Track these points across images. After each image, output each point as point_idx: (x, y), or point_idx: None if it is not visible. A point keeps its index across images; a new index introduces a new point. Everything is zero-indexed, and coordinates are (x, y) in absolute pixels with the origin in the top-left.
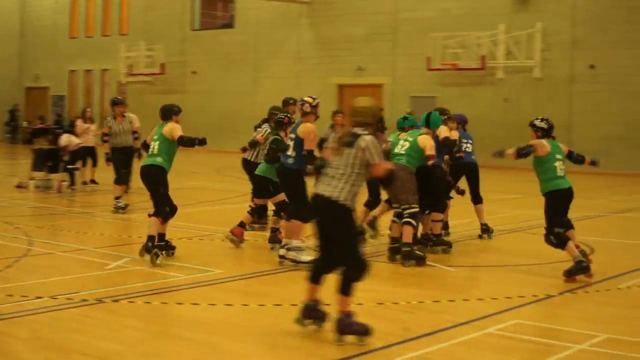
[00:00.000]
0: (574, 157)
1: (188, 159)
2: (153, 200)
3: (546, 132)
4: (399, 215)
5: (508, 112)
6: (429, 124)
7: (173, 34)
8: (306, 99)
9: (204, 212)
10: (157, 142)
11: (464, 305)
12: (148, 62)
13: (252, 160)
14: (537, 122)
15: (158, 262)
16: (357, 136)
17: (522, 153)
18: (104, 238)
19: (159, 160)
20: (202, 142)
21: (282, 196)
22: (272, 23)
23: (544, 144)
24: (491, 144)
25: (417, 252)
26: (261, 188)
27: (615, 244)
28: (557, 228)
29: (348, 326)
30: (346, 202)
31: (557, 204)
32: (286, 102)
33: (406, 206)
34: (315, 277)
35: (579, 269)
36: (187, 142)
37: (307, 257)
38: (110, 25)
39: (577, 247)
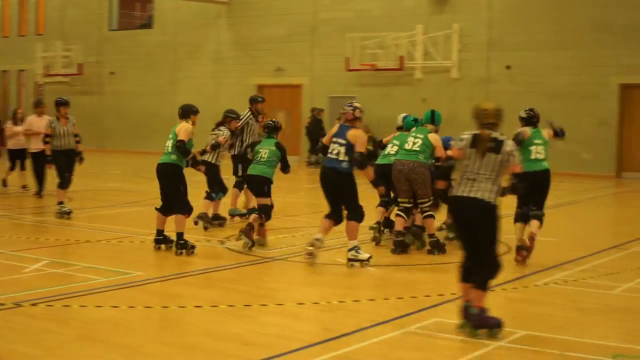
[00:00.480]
0: (559, 134)
1: (103, 161)
2: (172, 198)
3: (526, 121)
4: (405, 210)
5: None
6: (434, 120)
7: (91, 34)
8: (356, 104)
9: (122, 214)
10: (171, 141)
11: (384, 304)
12: (65, 63)
13: (213, 162)
14: (521, 113)
15: (195, 252)
16: (500, 141)
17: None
18: (20, 241)
19: (173, 157)
20: (194, 162)
21: (269, 200)
22: (191, 23)
23: (527, 131)
24: None
25: (441, 241)
26: (258, 187)
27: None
28: (517, 207)
29: (484, 320)
30: (495, 203)
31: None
32: (255, 100)
33: (425, 200)
34: (466, 277)
35: (517, 248)
36: (180, 149)
37: (365, 254)
38: (26, 25)
39: (529, 239)
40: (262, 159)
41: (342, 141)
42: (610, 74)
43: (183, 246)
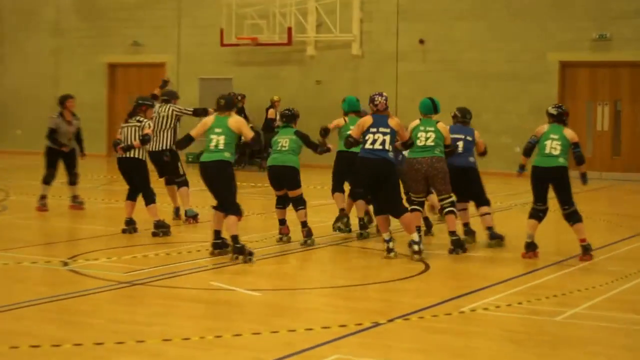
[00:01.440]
0: (575, 155)
1: None
2: (224, 199)
3: (555, 118)
4: (420, 204)
5: (321, 97)
6: (437, 109)
7: None
8: (385, 94)
9: None
10: (223, 136)
11: (271, 338)
12: None
13: (142, 159)
14: (550, 109)
15: (254, 260)
16: None
17: (524, 151)
18: None
19: (227, 155)
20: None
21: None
22: None
23: (543, 127)
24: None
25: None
26: (291, 179)
27: (455, 259)
28: (533, 203)
29: None
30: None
31: (531, 177)
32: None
33: (446, 196)
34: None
35: (526, 245)
36: (257, 141)
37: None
38: None
39: (584, 240)
40: (283, 148)
41: (387, 130)
42: (548, 49)
43: (240, 251)
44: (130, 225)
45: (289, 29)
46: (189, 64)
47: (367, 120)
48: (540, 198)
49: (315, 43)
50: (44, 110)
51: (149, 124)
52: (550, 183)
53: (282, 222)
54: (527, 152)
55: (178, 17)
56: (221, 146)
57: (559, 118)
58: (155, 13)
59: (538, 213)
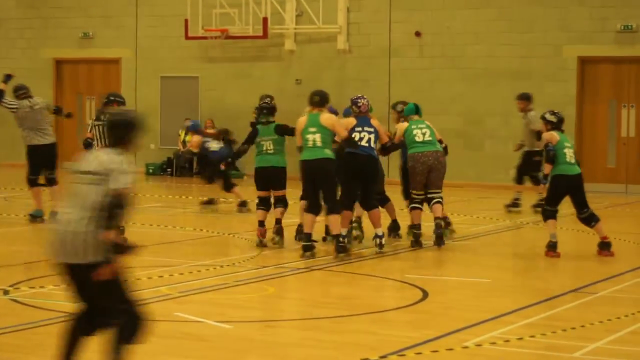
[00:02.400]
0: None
1: None
2: (329, 196)
3: (555, 125)
4: (421, 202)
5: (302, 98)
6: (419, 112)
7: None
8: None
9: None
10: (319, 134)
11: None
12: None
13: None
14: (548, 116)
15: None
16: None
17: (549, 156)
18: None
19: (328, 152)
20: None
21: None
22: None
23: (554, 135)
24: None
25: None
26: (278, 179)
27: (456, 283)
28: (548, 206)
29: None
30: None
31: (556, 186)
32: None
33: (438, 191)
34: None
35: (549, 246)
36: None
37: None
38: None
39: (606, 237)
40: (269, 151)
41: (371, 129)
42: (564, 42)
43: (344, 249)
44: None
45: (265, 20)
46: (148, 60)
47: (351, 121)
48: (558, 203)
49: (295, 36)
50: None
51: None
52: (573, 190)
53: (262, 223)
54: (553, 160)
55: (135, 5)
56: (319, 144)
57: (560, 125)
58: (108, 2)
59: (554, 214)
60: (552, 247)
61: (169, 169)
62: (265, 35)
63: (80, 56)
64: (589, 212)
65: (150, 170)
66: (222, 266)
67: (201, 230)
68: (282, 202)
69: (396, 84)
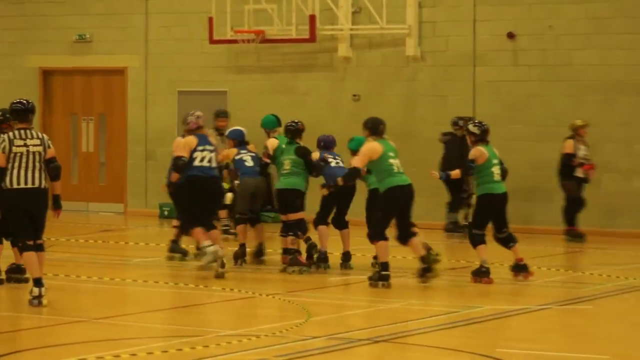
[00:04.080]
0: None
1: None
2: (410, 222)
3: (479, 137)
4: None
5: (358, 118)
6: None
7: None
8: (198, 112)
9: None
10: (397, 159)
11: None
12: None
13: None
14: (471, 127)
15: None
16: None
17: (468, 172)
18: None
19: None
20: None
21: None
22: None
23: (483, 151)
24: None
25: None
26: (289, 201)
27: None
28: (477, 230)
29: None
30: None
31: (484, 208)
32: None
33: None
34: None
35: (480, 272)
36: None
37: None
38: None
39: (521, 259)
40: (285, 171)
41: (211, 147)
42: None
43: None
44: None
45: (312, 18)
46: (162, 70)
47: (192, 140)
48: (487, 225)
49: (351, 39)
50: None
51: None
52: (500, 210)
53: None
54: (469, 174)
55: (144, 2)
56: (402, 169)
57: (483, 137)
58: None
59: (484, 238)
60: (485, 274)
61: None
62: (312, 38)
63: (74, 65)
64: (508, 232)
65: (165, 213)
66: (258, 336)
67: (231, 290)
68: (290, 227)
69: (482, 100)
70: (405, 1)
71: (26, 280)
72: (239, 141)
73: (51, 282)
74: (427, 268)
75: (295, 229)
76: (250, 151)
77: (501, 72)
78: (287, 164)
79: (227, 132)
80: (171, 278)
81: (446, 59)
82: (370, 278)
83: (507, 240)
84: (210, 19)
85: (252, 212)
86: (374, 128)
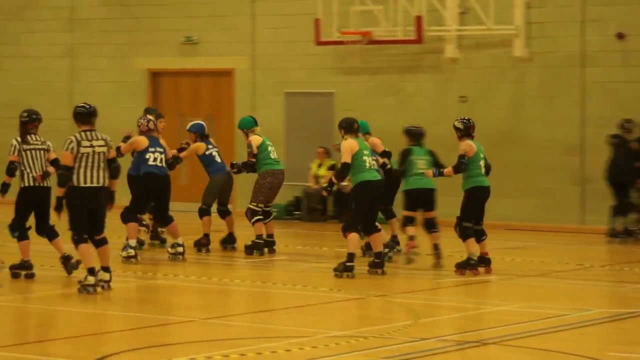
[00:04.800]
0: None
1: None
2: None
3: (464, 132)
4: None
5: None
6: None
7: None
8: (150, 116)
9: None
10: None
11: None
12: None
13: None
14: (456, 123)
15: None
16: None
17: (460, 169)
18: None
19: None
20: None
21: None
22: None
23: (472, 145)
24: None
25: None
26: (433, 200)
27: None
28: (466, 222)
29: None
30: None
31: (474, 200)
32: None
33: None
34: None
35: (467, 265)
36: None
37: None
38: None
39: (487, 253)
40: (420, 170)
41: (161, 149)
42: None
43: (349, 269)
44: None
45: (418, 19)
46: (269, 72)
47: (141, 140)
48: (474, 218)
49: (458, 40)
50: (57, 133)
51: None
52: (483, 202)
53: (412, 238)
54: (461, 170)
55: (250, 1)
56: (375, 166)
57: (469, 132)
58: None
59: (472, 230)
60: (472, 266)
61: (296, 212)
62: (419, 39)
63: (182, 67)
64: (481, 226)
65: (274, 213)
66: (366, 337)
67: (339, 290)
68: (434, 225)
69: (592, 102)
70: (512, 2)
71: (31, 276)
72: (201, 134)
73: (161, 283)
74: (378, 263)
75: (435, 225)
76: (215, 146)
77: (611, 73)
78: (421, 164)
79: (188, 126)
80: (279, 279)
81: (554, 60)
82: (335, 269)
83: (480, 233)
84: (317, 21)
85: (222, 205)
86: (349, 127)
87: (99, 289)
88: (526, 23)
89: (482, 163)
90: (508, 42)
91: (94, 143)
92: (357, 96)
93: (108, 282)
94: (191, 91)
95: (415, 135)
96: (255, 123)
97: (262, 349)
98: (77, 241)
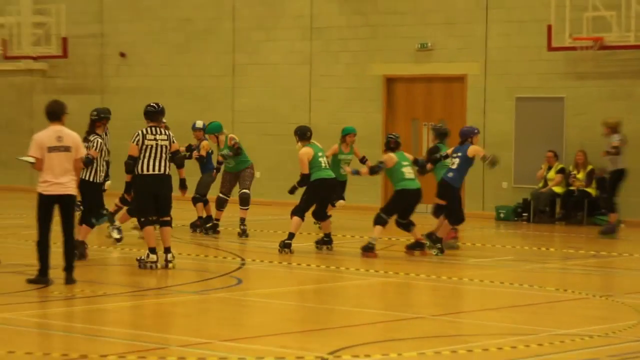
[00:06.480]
0: (418, 164)
1: None
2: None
3: (392, 147)
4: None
5: None
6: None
7: None
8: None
9: None
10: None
11: None
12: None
13: (90, 180)
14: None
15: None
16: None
17: (374, 170)
18: None
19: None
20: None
21: None
22: None
23: (392, 157)
24: None
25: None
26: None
27: None
28: (384, 214)
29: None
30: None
31: (398, 200)
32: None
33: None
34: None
35: (368, 248)
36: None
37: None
38: None
39: (421, 238)
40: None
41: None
42: None
43: (287, 245)
44: None
45: None
46: (501, 77)
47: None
48: (392, 215)
49: None
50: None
51: (95, 144)
52: (413, 203)
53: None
54: (375, 173)
55: (484, 9)
56: (329, 165)
57: (443, 138)
58: (451, 4)
59: (386, 223)
60: (370, 249)
61: (524, 214)
62: None
63: (416, 73)
64: (407, 220)
65: (502, 215)
66: (591, 336)
67: (565, 290)
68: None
69: None
70: None
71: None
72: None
73: (389, 280)
74: (327, 241)
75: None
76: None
77: None
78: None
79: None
80: (506, 278)
81: None
82: (279, 245)
83: (407, 225)
84: (549, 27)
85: (202, 195)
86: (302, 134)
87: (159, 265)
88: None
89: (405, 170)
90: None
91: (158, 137)
92: (588, 101)
93: (170, 261)
94: (425, 96)
95: (440, 135)
96: (222, 128)
97: (488, 345)
98: (142, 223)
